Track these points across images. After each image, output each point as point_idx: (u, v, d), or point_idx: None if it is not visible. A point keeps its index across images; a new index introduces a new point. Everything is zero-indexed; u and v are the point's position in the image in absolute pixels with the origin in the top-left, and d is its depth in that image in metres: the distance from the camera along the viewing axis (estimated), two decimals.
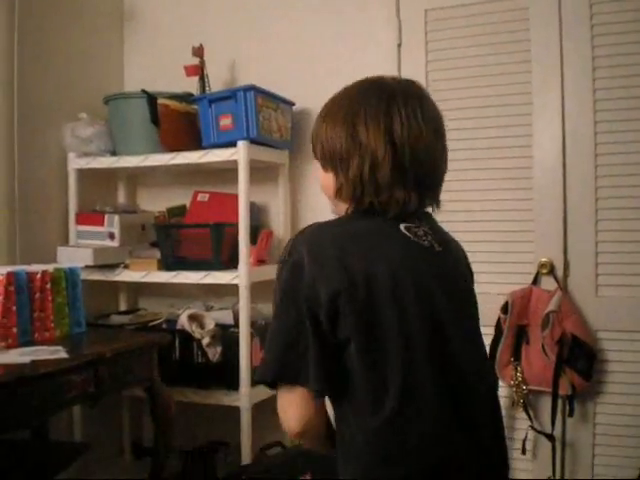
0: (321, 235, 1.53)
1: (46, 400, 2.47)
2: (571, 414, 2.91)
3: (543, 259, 3.03)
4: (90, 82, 3.73)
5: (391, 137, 1.51)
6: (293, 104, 3.45)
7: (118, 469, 3.65)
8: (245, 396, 3.14)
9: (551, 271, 3.02)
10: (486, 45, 3.16)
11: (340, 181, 1.57)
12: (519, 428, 3.06)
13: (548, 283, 3.03)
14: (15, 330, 2.70)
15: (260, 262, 3.34)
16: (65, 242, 3.52)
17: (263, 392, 3.28)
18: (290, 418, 1.50)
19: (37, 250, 3.32)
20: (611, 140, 2.97)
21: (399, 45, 3.35)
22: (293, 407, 1.49)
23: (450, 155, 3.04)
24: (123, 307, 3.84)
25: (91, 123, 3.50)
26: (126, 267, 3.41)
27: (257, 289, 3.24)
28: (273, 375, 1.49)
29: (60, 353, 2.56)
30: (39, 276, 2.82)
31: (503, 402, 3.01)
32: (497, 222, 3.14)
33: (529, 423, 3.00)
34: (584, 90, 3.01)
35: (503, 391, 2.96)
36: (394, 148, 1.51)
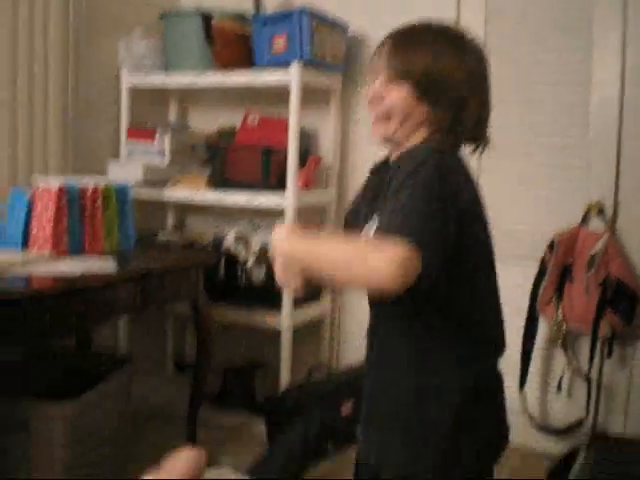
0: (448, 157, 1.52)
1: (93, 311, 2.54)
2: (609, 356, 2.91)
3: (593, 200, 2.99)
4: None
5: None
6: (348, 27, 3.40)
7: (160, 383, 3.76)
8: (287, 318, 3.19)
9: (600, 212, 2.98)
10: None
11: (436, 112, 1.54)
12: (556, 366, 3.07)
13: (596, 224, 3.00)
14: (66, 239, 2.76)
15: (307, 187, 3.34)
16: (116, 156, 3.55)
17: (305, 314, 3.34)
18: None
19: (89, 161, 3.37)
20: None
21: None
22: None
23: (505, 86, 3.00)
24: (170, 225, 3.89)
25: (145, 38, 3.49)
26: (175, 184, 3.44)
27: (303, 213, 3.26)
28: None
29: (109, 266, 2.62)
30: (90, 191, 2.86)
31: (542, 341, 3.02)
32: (549, 158, 3.09)
33: (566, 362, 3.00)
34: None
35: (542, 328, 2.97)
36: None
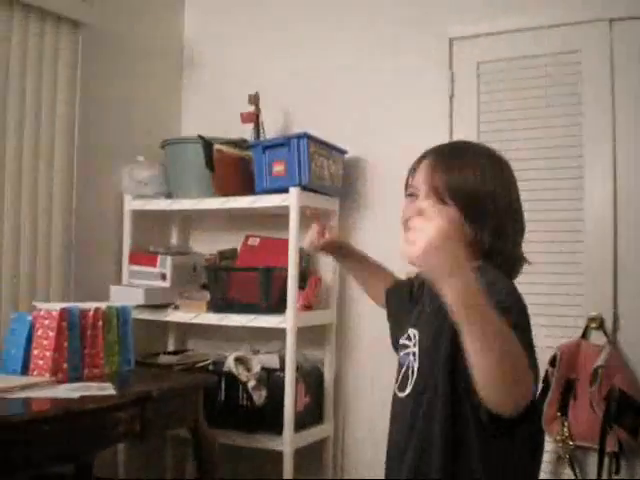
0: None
1: (92, 436, 2.51)
2: (617, 472, 2.85)
3: (593, 313, 3.00)
4: (149, 126, 3.84)
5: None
6: (345, 152, 3.50)
7: None
8: (288, 441, 3.14)
9: (600, 325, 2.98)
10: (537, 97, 3.18)
11: (479, 235, 1.53)
12: None
13: (597, 337, 2.99)
14: (66, 365, 2.77)
15: (307, 307, 3.36)
16: (118, 281, 3.59)
17: (306, 437, 3.30)
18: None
19: (91, 288, 3.40)
20: None
21: (451, 97, 3.39)
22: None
23: None
24: (172, 347, 3.89)
25: (148, 166, 3.60)
26: (176, 308, 3.47)
27: (304, 334, 3.27)
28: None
29: (108, 390, 2.61)
30: (91, 313, 2.89)
31: (549, 457, 2.96)
32: (547, 274, 3.11)
33: (574, 479, 2.94)
34: (636, 142, 3.01)
35: (549, 446, 2.92)
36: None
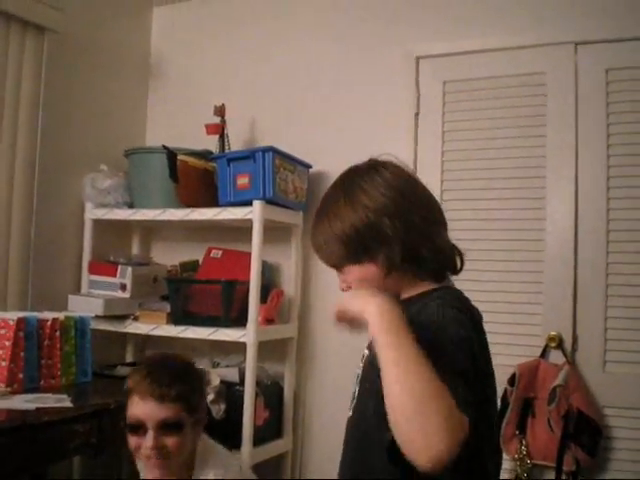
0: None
1: (48, 448, 2.47)
2: None
3: (552, 332, 3.03)
4: (113, 135, 3.81)
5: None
6: (310, 166, 3.50)
7: None
8: (247, 455, 3.12)
9: (559, 345, 3.02)
10: (502, 118, 3.22)
11: (390, 260, 1.46)
12: None
13: (556, 357, 3.02)
14: (21, 376, 2.72)
15: (269, 321, 3.35)
16: (77, 291, 3.54)
17: (265, 451, 3.28)
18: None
19: (49, 297, 3.34)
20: (623, 217, 2.99)
21: (416, 114, 3.41)
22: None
23: (462, 225, 3.09)
24: (130, 359, 3.84)
25: (110, 175, 3.56)
26: (135, 319, 3.43)
27: (264, 347, 3.25)
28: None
29: (65, 402, 2.57)
30: (49, 323, 2.85)
31: (507, 476, 2.97)
32: (507, 293, 3.14)
33: None
34: (598, 167, 3.04)
35: (507, 464, 2.93)
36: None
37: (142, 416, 1.93)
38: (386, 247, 1.46)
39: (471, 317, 1.43)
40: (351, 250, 1.49)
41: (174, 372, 2.04)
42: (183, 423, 2.00)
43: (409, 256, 1.47)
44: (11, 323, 2.71)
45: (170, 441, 1.95)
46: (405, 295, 1.53)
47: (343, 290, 1.55)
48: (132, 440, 1.94)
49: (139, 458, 1.98)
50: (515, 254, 3.15)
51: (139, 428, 1.93)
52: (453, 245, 1.57)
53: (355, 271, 1.51)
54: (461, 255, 1.59)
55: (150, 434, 1.92)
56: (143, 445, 1.93)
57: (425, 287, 1.52)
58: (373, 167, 1.57)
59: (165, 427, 1.94)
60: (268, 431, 3.35)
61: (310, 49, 3.70)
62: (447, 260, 1.55)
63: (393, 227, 1.45)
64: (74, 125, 3.58)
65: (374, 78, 3.52)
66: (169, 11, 4.14)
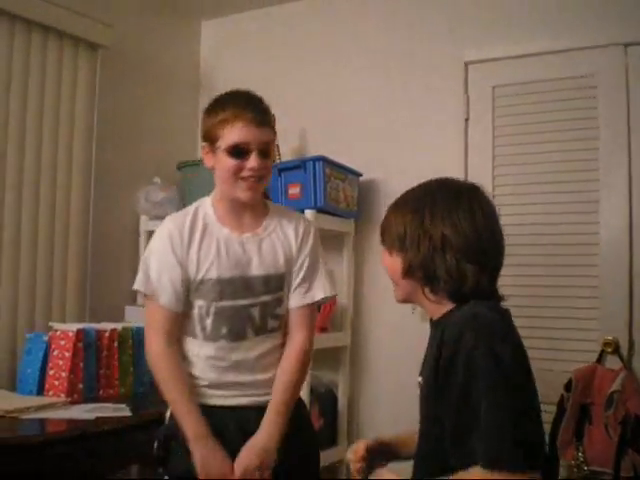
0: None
1: (107, 457, 2.51)
2: None
3: (608, 337, 2.98)
4: (165, 148, 3.88)
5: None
6: (360, 175, 3.51)
7: None
8: None
9: (616, 350, 2.97)
10: (553, 121, 3.19)
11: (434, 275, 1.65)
12: None
13: (613, 362, 2.98)
14: (81, 386, 2.78)
15: (322, 329, 3.36)
16: (133, 301, 3.60)
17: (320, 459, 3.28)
18: None
19: (106, 309, 3.41)
20: None
21: (466, 120, 3.40)
22: None
23: (516, 230, 3.06)
24: None
25: (163, 188, 3.62)
26: None
27: (318, 356, 3.26)
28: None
29: (124, 411, 2.61)
30: (107, 334, 2.91)
31: None
32: (562, 298, 3.11)
33: None
34: None
35: (564, 471, 2.90)
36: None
37: (247, 139, 2.02)
38: (413, 254, 1.65)
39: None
40: (397, 241, 1.69)
41: (266, 104, 2.15)
42: (273, 149, 2.14)
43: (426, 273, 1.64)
44: (70, 335, 2.77)
45: (266, 163, 2.07)
46: (436, 316, 1.68)
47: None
48: (232, 164, 2.02)
49: (234, 182, 2.05)
50: (569, 259, 3.12)
51: (242, 151, 2.02)
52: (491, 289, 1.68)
53: (386, 257, 1.74)
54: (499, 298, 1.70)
55: (254, 155, 2.02)
56: (246, 167, 2.02)
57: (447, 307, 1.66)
58: (471, 198, 1.67)
59: (263, 151, 2.05)
60: (323, 439, 3.35)
61: (359, 57, 3.72)
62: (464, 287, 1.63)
63: (443, 258, 1.61)
64: (127, 139, 3.66)
65: (423, 85, 3.52)
66: (218, 25, 4.21)
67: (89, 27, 3.33)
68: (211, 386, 2.08)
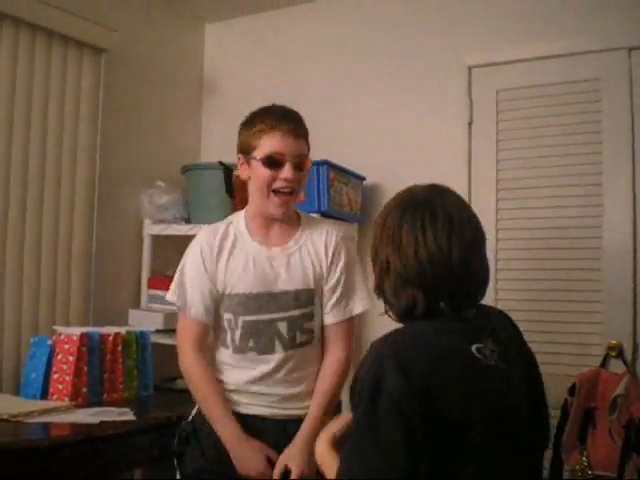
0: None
1: (112, 461, 2.52)
2: None
3: (612, 341, 2.98)
4: (168, 151, 3.88)
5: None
6: (364, 179, 3.51)
7: None
8: None
9: (620, 354, 2.97)
10: (557, 125, 3.19)
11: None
12: None
13: (617, 366, 2.97)
14: (85, 390, 2.78)
15: None
16: (137, 305, 3.61)
17: None
18: None
19: (109, 312, 3.42)
20: None
21: (470, 124, 3.40)
22: None
23: (517, 234, 3.06)
24: None
25: (167, 191, 3.62)
26: None
27: None
28: None
29: (128, 415, 2.62)
30: (111, 338, 2.91)
31: None
32: (565, 303, 3.11)
33: None
34: None
35: (567, 476, 2.90)
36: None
37: (283, 149, 2.06)
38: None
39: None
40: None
41: (299, 116, 2.20)
42: (307, 163, 2.16)
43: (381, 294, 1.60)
44: (74, 338, 2.77)
45: (299, 176, 2.11)
46: None
47: None
48: (266, 174, 2.06)
49: (266, 194, 2.08)
50: (573, 262, 3.12)
51: (277, 162, 2.06)
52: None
53: None
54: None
55: (288, 166, 2.05)
56: (279, 177, 2.05)
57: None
58: (423, 214, 1.53)
59: (297, 163, 2.09)
60: None
61: (362, 60, 3.72)
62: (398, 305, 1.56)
63: (388, 280, 1.55)
64: (130, 142, 3.66)
65: (426, 88, 3.52)
66: (221, 27, 4.21)
67: (93, 31, 3.34)
68: (239, 393, 2.15)
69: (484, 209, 3.03)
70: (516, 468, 1.52)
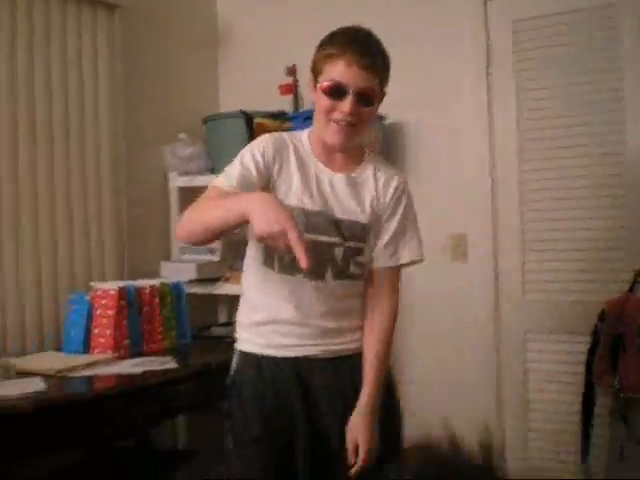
0: None
1: (156, 409, 2.61)
2: None
3: (638, 266, 3.01)
4: (188, 103, 3.88)
5: None
6: (384, 118, 3.51)
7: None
8: None
9: None
10: (575, 54, 3.17)
11: None
12: (616, 437, 3.02)
13: None
14: (126, 342, 2.86)
15: None
16: (167, 257, 3.66)
17: None
18: None
19: (142, 265, 3.48)
20: None
21: (487, 55, 3.38)
22: None
23: (539, 162, 3.05)
24: (223, 319, 3.96)
25: (190, 143, 3.64)
26: (227, 280, 3.53)
27: None
28: None
29: (170, 364, 2.69)
30: (147, 290, 2.98)
31: (601, 411, 2.99)
32: (589, 231, 3.13)
33: (626, 431, 2.96)
34: None
35: (600, 400, 2.96)
36: None
37: (345, 80, 1.92)
38: None
39: None
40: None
41: (380, 47, 2.02)
42: (375, 98, 1.99)
43: None
44: (112, 293, 2.84)
45: (362, 110, 1.94)
46: None
47: None
48: (325, 103, 1.93)
49: (325, 122, 1.95)
50: (595, 190, 3.13)
51: (338, 92, 1.92)
52: None
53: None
54: None
55: (349, 99, 1.91)
56: (338, 108, 1.92)
57: None
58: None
59: (362, 96, 1.93)
60: None
61: (377, 2, 3.68)
62: None
63: None
64: (150, 97, 3.67)
65: (442, 23, 3.47)
66: None
67: None
68: (281, 323, 2.00)
69: (506, 132, 3.05)
70: None
